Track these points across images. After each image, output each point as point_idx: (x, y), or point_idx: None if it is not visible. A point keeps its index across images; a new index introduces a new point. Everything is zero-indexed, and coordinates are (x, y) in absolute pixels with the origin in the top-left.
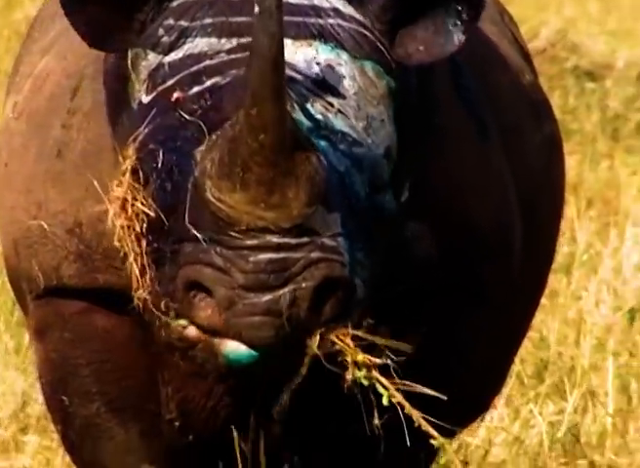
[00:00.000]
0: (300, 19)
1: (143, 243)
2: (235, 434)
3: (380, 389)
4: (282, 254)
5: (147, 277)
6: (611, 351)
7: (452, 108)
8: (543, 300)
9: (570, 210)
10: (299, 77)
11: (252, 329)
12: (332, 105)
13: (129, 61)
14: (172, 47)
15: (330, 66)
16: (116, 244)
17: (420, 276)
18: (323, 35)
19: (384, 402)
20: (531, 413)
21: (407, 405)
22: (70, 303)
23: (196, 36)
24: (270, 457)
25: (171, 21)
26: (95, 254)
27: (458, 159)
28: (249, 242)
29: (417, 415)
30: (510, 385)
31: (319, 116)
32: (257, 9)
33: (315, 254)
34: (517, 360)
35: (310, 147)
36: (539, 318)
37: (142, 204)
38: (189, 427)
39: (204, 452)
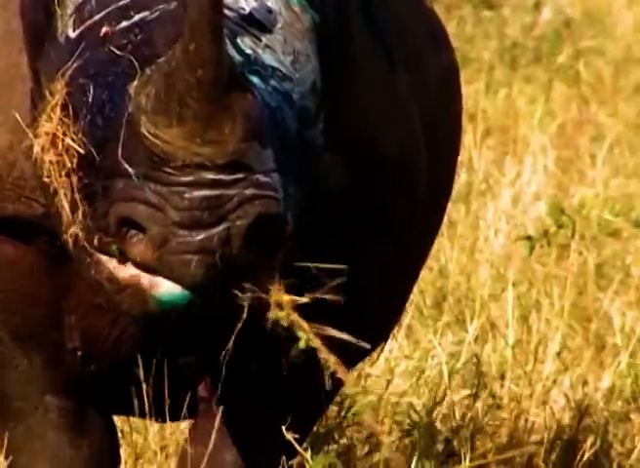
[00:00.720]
0: None
1: (74, 179)
2: (139, 366)
3: (299, 332)
4: (217, 191)
5: (79, 213)
6: (510, 281)
7: (362, 39)
8: (442, 230)
9: (468, 139)
10: (227, 12)
11: (185, 266)
12: (260, 40)
13: None
14: None
15: (256, 0)
16: (45, 180)
17: (332, 207)
18: None
19: (301, 345)
20: (431, 344)
21: (321, 346)
22: None
23: None
24: (175, 394)
25: None
26: (4, 184)
27: (367, 90)
28: (184, 178)
29: (324, 350)
30: (410, 316)
31: (249, 51)
32: None
33: (250, 191)
34: (416, 290)
35: (246, 83)
36: (437, 248)
37: (73, 139)
38: (92, 357)
39: (107, 384)
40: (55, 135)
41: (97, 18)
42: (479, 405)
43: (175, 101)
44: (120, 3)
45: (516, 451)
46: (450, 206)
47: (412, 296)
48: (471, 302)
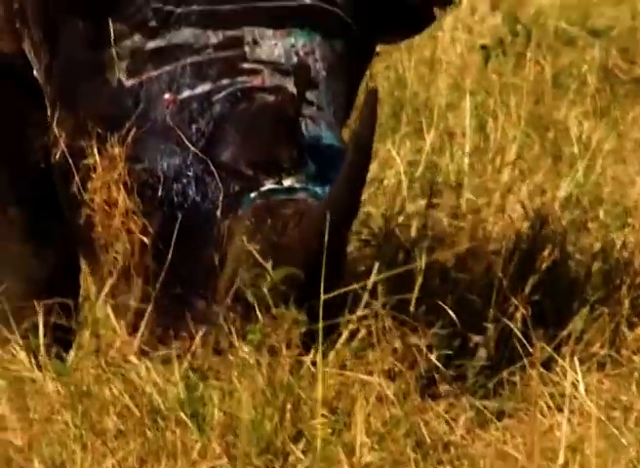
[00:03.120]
0: (278, 3)
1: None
2: None
3: None
4: None
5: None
6: (467, 90)
7: None
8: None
9: None
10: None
11: None
12: (310, 104)
13: (110, 34)
14: (156, 32)
15: (306, 54)
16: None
17: None
18: (301, 21)
19: None
20: (389, 153)
21: None
22: None
23: (181, 24)
24: None
25: (158, 4)
26: None
27: None
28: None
29: None
30: None
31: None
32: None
33: None
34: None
35: None
36: (395, 58)
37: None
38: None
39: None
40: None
41: (153, 73)
42: (438, 214)
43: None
44: (179, 62)
45: (474, 259)
46: None
47: None
48: (429, 112)
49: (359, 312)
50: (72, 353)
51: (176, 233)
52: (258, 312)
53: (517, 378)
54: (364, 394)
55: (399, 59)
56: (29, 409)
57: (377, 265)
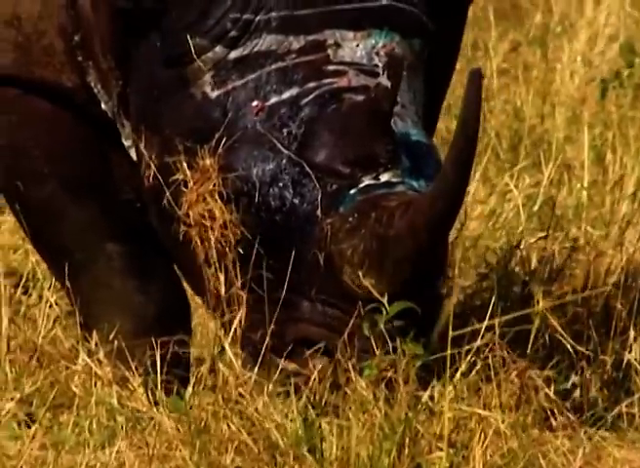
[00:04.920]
0: (357, 4)
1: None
2: None
3: None
4: None
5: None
6: (585, 123)
7: None
8: (517, 73)
9: None
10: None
11: None
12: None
13: (191, 49)
14: (238, 41)
15: (387, 54)
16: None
17: None
18: (379, 21)
19: None
20: (507, 187)
21: None
22: (11, 89)
23: (262, 31)
24: None
25: (236, 14)
26: (33, 49)
27: None
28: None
29: None
30: (486, 159)
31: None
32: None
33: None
34: (492, 133)
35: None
36: (512, 90)
37: (227, 224)
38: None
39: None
40: (211, 217)
41: (238, 83)
42: (555, 247)
43: (389, 265)
44: (264, 69)
45: (592, 292)
46: (525, 48)
47: (488, 140)
48: (547, 145)
49: (476, 345)
50: (189, 389)
51: (277, 237)
52: (374, 346)
53: (636, 410)
54: (482, 428)
55: (517, 93)
56: (147, 446)
57: (494, 298)
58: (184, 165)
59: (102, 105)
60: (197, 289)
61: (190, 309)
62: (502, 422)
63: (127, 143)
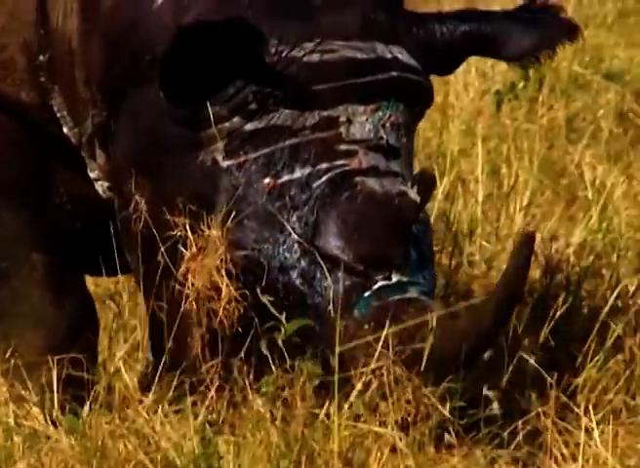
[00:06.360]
0: (368, 78)
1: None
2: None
3: None
4: None
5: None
6: (480, 136)
7: None
8: None
9: None
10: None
11: None
12: (396, 176)
13: (210, 115)
14: (255, 113)
15: (391, 125)
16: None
17: None
18: (388, 93)
19: None
20: None
21: None
22: None
23: (279, 105)
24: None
25: (258, 87)
26: None
27: None
28: None
29: None
30: None
31: None
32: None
33: None
34: None
35: None
36: None
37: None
38: (78, 213)
39: (92, 241)
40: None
41: (251, 156)
42: (450, 262)
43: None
44: (278, 145)
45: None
46: None
47: None
48: (442, 158)
49: (372, 364)
50: (86, 408)
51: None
52: (271, 365)
53: (531, 427)
54: (378, 446)
55: None
56: (44, 466)
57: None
58: (187, 226)
59: (65, 130)
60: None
61: (99, 327)
62: (399, 440)
63: (92, 175)
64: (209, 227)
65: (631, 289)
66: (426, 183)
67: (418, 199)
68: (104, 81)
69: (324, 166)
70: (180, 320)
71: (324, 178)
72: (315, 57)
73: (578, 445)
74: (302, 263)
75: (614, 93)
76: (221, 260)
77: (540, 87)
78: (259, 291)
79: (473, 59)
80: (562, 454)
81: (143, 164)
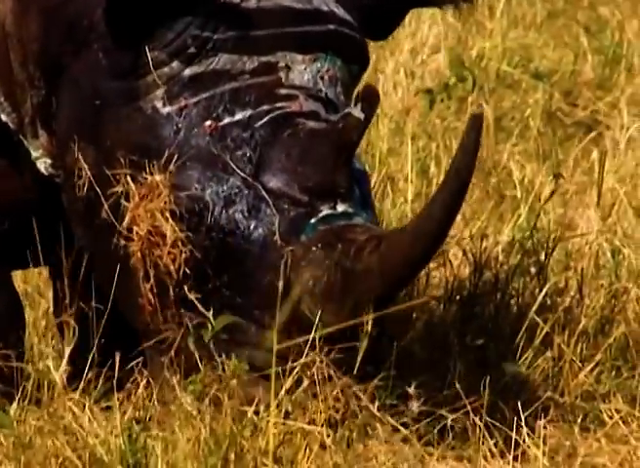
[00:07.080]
0: (306, 28)
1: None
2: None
3: None
4: None
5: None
6: (409, 134)
7: None
8: None
9: None
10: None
11: None
12: None
13: (149, 61)
14: (194, 58)
15: (330, 78)
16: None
17: None
18: (325, 45)
19: None
20: None
21: None
22: None
23: (218, 50)
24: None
25: (197, 31)
26: None
27: None
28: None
29: None
30: None
31: None
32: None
33: None
34: None
35: None
36: None
37: (178, 243)
38: (5, 211)
39: (20, 243)
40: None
41: (191, 100)
42: None
43: (352, 299)
44: (217, 90)
45: (413, 302)
46: None
47: None
48: (371, 157)
49: (301, 361)
50: (14, 404)
51: (227, 259)
52: (199, 362)
53: (461, 424)
54: (307, 443)
55: None
56: None
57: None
58: (128, 178)
59: (3, 117)
60: (125, 302)
61: (25, 322)
62: (328, 437)
63: (36, 154)
64: (152, 174)
65: (559, 287)
66: (370, 100)
67: (362, 116)
68: (43, 56)
69: (265, 108)
70: (129, 275)
71: (266, 119)
72: (252, 3)
73: (507, 441)
74: (247, 198)
75: (542, 92)
76: (165, 203)
77: (474, 87)
78: (204, 230)
79: (402, 59)
80: (491, 451)
81: (85, 126)
